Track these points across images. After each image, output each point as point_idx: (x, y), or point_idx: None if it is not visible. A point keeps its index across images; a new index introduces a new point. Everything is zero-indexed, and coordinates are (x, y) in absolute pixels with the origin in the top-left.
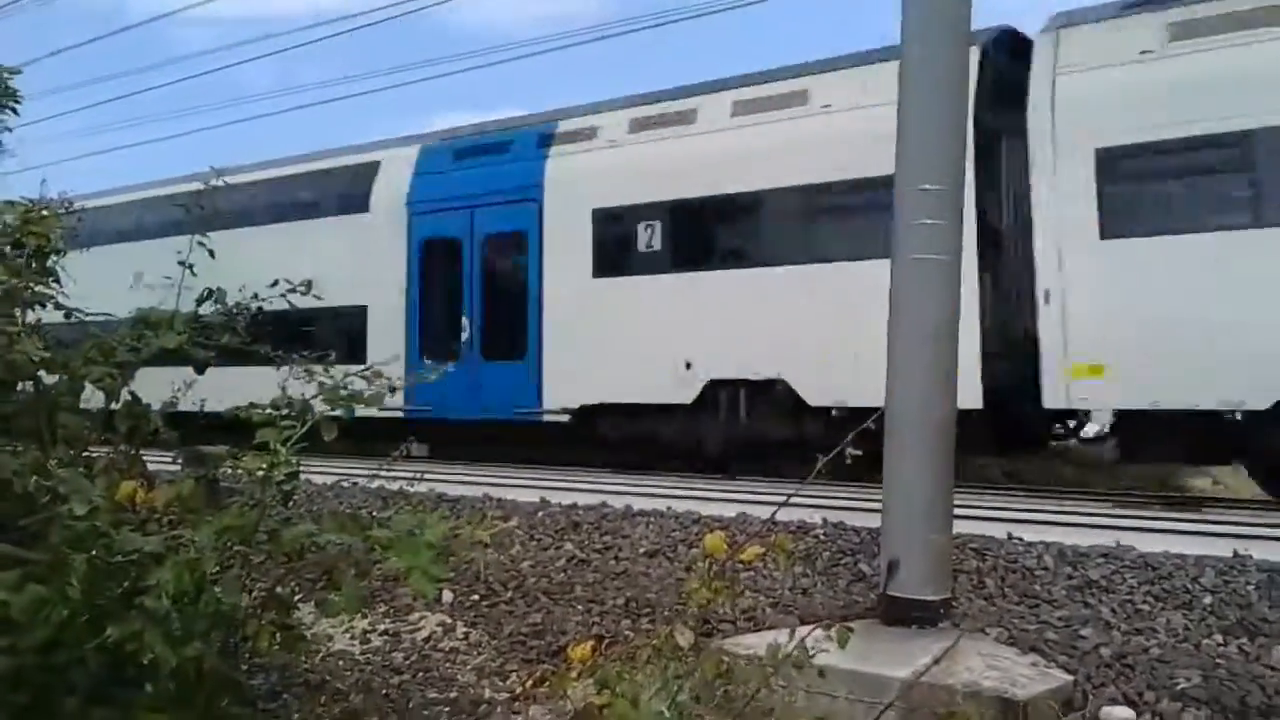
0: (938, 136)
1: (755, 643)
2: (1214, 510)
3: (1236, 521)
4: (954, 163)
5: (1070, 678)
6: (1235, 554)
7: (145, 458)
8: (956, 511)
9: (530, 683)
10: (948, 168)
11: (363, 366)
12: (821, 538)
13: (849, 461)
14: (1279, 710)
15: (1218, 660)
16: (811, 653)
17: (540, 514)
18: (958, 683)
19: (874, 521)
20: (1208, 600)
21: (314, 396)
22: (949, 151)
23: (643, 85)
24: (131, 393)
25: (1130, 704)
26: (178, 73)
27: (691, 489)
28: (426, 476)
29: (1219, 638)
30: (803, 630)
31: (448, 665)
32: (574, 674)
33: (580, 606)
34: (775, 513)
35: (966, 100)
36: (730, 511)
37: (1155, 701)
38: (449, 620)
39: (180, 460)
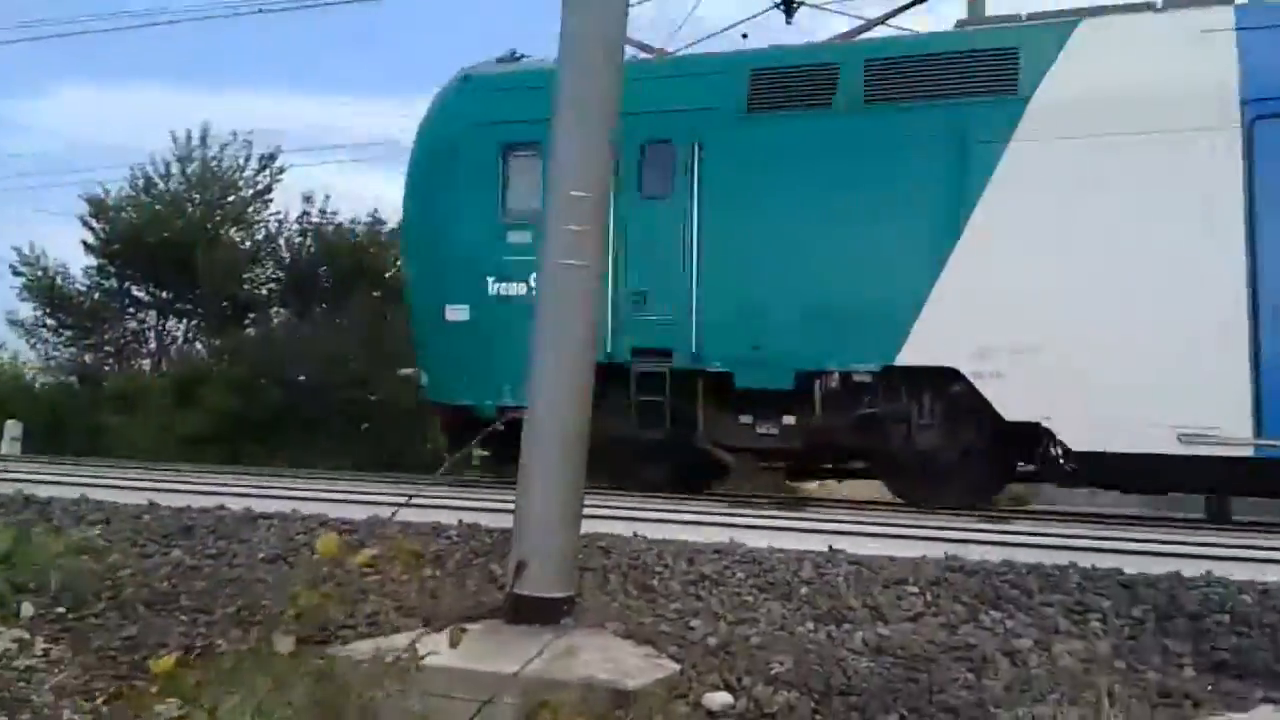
0: (588, 146)
1: (369, 649)
2: (815, 509)
3: (833, 519)
4: (601, 171)
5: (678, 667)
6: (830, 549)
7: None
8: (590, 511)
9: (101, 701)
10: (595, 176)
11: None
12: (454, 539)
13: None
14: (857, 690)
15: (808, 646)
16: (426, 654)
17: (146, 517)
18: (573, 676)
19: (509, 522)
20: (804, 591)
21: None
22: (597, 161)
23: None
24: None
25: (730, 689)
26: None
27: (318, 491)
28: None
29: (811, 625)
30: (407, 636)
31: (22, 685)
32: (154, 689)
33: (185, 617)
34: (395, 514)
35: (615, 114)
36: (361, 514)
37: (752, 686)
38: (26, 635)
39: None
